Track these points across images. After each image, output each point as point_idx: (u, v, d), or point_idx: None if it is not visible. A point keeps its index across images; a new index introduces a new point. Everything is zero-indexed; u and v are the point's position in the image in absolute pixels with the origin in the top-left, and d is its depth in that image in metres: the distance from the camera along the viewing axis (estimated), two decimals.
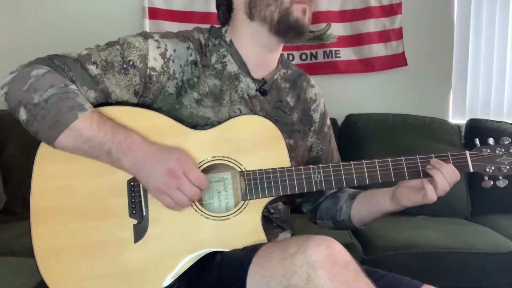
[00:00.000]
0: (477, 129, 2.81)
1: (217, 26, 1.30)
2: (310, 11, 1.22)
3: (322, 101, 1.40)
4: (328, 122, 1.43)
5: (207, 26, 1.30)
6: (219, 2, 1.28)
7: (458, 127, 2.86)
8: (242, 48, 1.25)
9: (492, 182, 1.20)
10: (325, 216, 1.38)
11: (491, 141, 1.22)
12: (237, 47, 1.25)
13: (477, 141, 1.22)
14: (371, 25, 2.93)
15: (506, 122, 2.83)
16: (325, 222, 1.39)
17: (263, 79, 1.27)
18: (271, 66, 1.29)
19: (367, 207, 1.29)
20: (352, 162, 1.18)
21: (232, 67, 1.24)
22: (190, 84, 1.20)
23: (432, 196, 1.15)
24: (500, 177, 1.20)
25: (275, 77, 1.31)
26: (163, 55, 1.16)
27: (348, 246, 2.12)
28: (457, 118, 3.03)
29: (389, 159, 1.19)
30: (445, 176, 1.14)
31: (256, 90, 1.26)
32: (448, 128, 2.82)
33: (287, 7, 1.18)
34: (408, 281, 1.11)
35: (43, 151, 1.13)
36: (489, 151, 1.21)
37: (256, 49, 1.25)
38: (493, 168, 1.20)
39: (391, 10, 2.95)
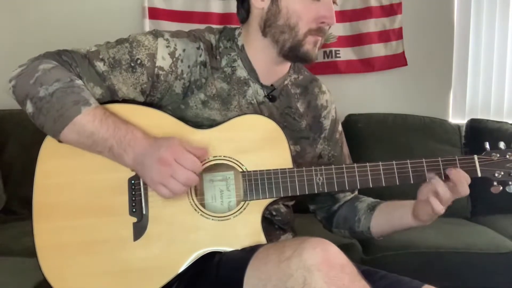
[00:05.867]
0: (478, 129, 2.80)
1: (230, 27, 1.28)
2: (322, 41, 1.21)
3: (333, 108, 1.38)
4: (340, 128, 1.40)
5: (220, 27, 1.28)
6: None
7: (458, 127, 2.85)
8: (253, 55, 1.23)
9: (501, 188, 1.17)
10: (343, 225, 1.36)
11: (501, 145, 1.18)
12: (248, 53, 1.23)
13: (487, 145, 1.18)
14: (371, 25, 2.93)
15: (506, 123, 2.83)
16: (342, 231, 1.37)
17: (272, 85, 1.26)
18: (281, 73, 1.28)
19: (388, 221, 1.27)
20: (355, 165, 1.16)
21: (241, 72, 1.23)
22: (197, 85, 1.19)
23: (438, 209, 1.12)
24: (510, 183, 1.16)
25: (285, 82, 1.29)
26: (172, 55, 1.16)
27: (348, 246, 2.12)
28: (457, 118, 3.03)
29: (394, 162, 1.16)
30: (460, 191, 1.12)
31: (265, 96, 1.25)
32: (448, 128, 2.82)
33: (301, 39, 1.17)
34: (409, 282, 1.11)
35: (46, 148, 1.13)
36: (498, 155, 1.16)
37: (266, 60, 1.23)
38: (502, 173, 1.16)
39: (391, 10, 2.95)
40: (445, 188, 1.12)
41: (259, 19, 1.20)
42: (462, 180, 1.12)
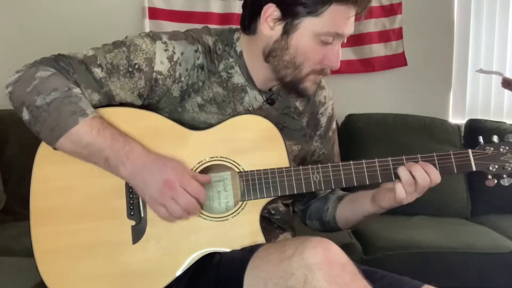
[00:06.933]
0: (476, 129, 2.81)
1: (229, 28, 1.25)
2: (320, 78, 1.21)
3: (330, 104, 1.37)
4: (334, 126, 1.39)
5: (218, 28, 1.25)
6: (246, 8, 1.20)
7: (458, 127, 2.85)
8: (251, 64, 1.21)
9: (495, 181, 1.17)
10: (314, 216, 1.36)
11: (495, 138, 1.18)
12: (246, 61, 1.21)
13: (481, 139, 1.19)
14: (371, 25, 2.94)
15: (505, 122, 2.83)
16: (313, 222, 1.37)
17: (270, 90, 1.25)
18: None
19: (351, 208, 1.27)
20: (351, 162, 1.16)
21: (239, 78, 1.22)
22: (195, 88, 1.19)
23: (400, 193, 1.11)
24: (504, 176, 1.17)
25: None
26: (170, 58, 1.15)
27: (348, 246, 2.13)
28: (457, 118, 3.03)
29: (390, 158, 1.16)
30: (413, 171, 1.11)
31: (264, 101, 1.24)
32: (448, 128, 2.82)
33: (302, 77, 1.17)
34: (409, 281, 1.10)
35: (43, 152, 1.13)
36: (492, 149, 1.17)
37: (263, 75, 1.22)
38: (496, 166, 1.16)
39: (391, 10, 2.95)
40: (409, 176, 1.11)
41: (264, 45, 1.17)
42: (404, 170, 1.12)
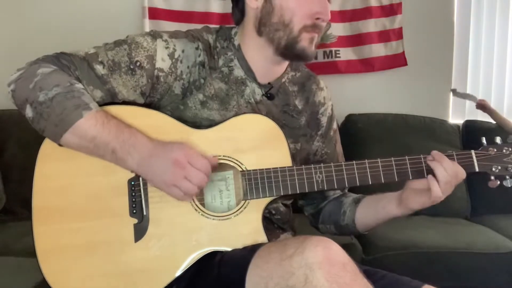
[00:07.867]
0: (473, 130, 2.81)
1: (227, 26, 1.28)
2: (318, 38, 1.21)
3: (330, 105, 1.38)
4: (335, 126, 1.40)
5: (217, 26, 1.28)
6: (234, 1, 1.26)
7: (458, 127, 2.86)
8: (249, 55, 1.23)
9: (498, 182, 1.17)
10: (328, 220, 1.36)
11: (498, 140, 1.19)
12: (244, 53, 1.23)
13: (483, 139, 1.19)
14: (371, 25, 2.94)
15: None
16: (327, 226, 1.37)
17: (269, 83, 1.26)
18: (279, 72, 1.28)
19: (372, 212, 1.27)
20: (354, 162, 1.16)
21: (238, 72, 1.23)
22: (196, 85, 1.19)
23: (437, 192, 1.11)
24: (507, 177, 1.17)
25: (283, 80, 1.29)
26: (171, 56, 1.16)
27: (348, 246, 2.13)
28: (456, 119, 3.03)
29: (392, 158, 1.16)
30: (446, 169, 1.12)
31: (263, 95, 1.25)
32: (448, 129, 2.83)
33: (296, 36, 1.17)
34: (409, 281, 1.11)
35: (45, 151, 1.13)
36: (495, 150, 1.17)
37: (262, 60, 1.24)
38: (499, 167, 1.17)
39: (391, 10, 2.95)
40: (444, 172, 1.12)
41: (254, 19, 1.20)
42: (438, 165, 1.13)
